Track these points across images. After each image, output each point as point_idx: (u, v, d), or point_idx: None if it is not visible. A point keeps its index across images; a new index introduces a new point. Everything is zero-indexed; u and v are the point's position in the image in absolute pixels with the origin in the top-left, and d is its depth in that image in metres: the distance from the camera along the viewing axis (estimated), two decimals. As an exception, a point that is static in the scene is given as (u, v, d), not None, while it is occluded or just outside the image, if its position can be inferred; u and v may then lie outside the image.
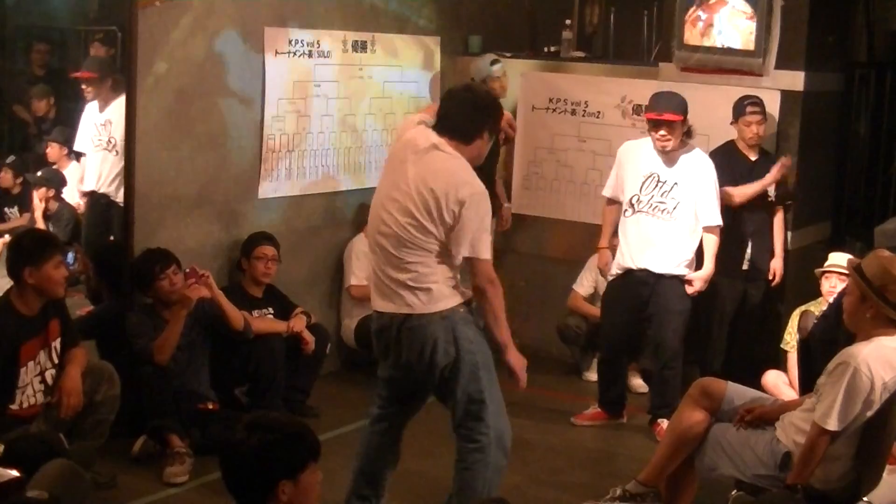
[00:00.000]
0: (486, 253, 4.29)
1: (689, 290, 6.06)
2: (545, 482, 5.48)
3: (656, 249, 6.02)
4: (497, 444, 4.39)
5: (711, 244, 6.07)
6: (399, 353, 4.36)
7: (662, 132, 5.93)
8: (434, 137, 4.31)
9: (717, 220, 6.07)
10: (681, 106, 5.97)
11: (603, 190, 6.34)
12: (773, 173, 6.44)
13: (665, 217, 6.00)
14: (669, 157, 6.01)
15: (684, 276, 6.05)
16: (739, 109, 6.48)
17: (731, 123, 6.50)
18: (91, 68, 6.78)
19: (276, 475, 2.98)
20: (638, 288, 6.08)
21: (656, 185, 6.02)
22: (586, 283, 7.02)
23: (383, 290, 4.35)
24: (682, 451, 4.60)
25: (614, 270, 6.19)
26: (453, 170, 4.26)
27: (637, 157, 6.12)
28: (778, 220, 6.63)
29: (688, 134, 6.05)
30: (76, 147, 7.35)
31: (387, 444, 4.61)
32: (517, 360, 4.42)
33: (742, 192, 6.42)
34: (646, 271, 6.03)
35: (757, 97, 6.48)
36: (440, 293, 4.27)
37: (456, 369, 4.30)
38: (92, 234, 6.87)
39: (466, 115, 4.35)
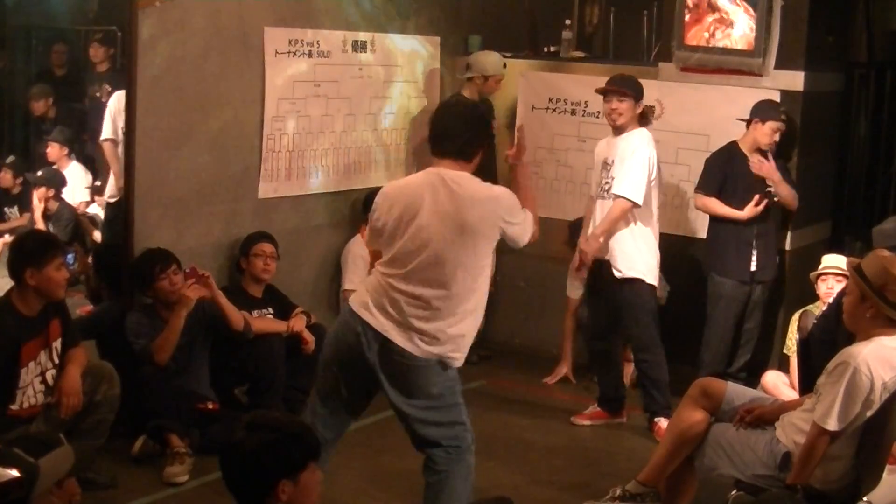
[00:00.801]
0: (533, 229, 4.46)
1: (578, 261, 6.03)
2: (545, 482, 5.47)
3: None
4: (467, 453, 4.35)
5: (615, 209, 5.86)
6: (380, 370, 4.27)
7: (612, 105, 5.93)
8: (435, 174, 4.28)
9: (624, 191, 5.84)
10: (631, 85, 5.96)
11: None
12: (751, 206, 6.29)
13: (608, 197, 5.96)
14: (618, 140, 5.97)
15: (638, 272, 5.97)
16: (768, 113, 6.31)
17: (753, 122, 6.31)
18: None
19: (276, 475, 2.98)
20: (603, 277, 6.05)
21: (604, 169, 6.02)
22: (576, 287, 6.91)
23: (398, 320, 4.22)
24: (681, 451, 4.60)
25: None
26: (479, 191, 4.27)
27: (601, 148, 6.16)
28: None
29: (644, 120, 6.02)
30: (103, 136, 7.24)
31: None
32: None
33: (709, 207, 6.38)
34: (608, 262, 6.01)
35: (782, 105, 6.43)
36: (450, 339, 4.23)
37: (434, 405, 4.26)
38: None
39: (465, 134, 4.34)
